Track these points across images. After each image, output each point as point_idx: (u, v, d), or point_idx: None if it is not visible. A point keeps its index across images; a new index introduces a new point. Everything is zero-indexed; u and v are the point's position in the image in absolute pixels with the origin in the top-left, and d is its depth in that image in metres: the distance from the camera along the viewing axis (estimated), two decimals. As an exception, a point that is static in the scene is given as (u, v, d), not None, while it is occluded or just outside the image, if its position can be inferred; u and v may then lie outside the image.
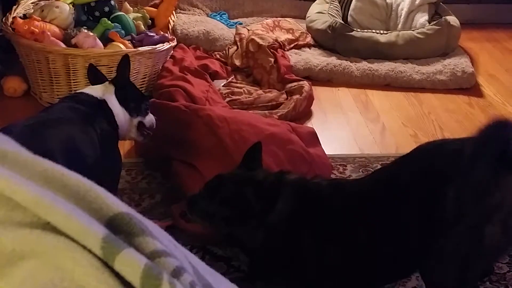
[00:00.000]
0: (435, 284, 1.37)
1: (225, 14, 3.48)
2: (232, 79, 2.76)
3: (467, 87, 2.91)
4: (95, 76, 1.84)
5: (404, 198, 1.35)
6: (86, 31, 2.46)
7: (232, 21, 3.41)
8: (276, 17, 3.45)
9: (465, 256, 1.30)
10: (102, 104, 1.72)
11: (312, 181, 1.54)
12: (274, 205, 1.48)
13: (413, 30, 3.10)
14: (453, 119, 2.62)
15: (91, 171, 1.51)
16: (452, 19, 3.15)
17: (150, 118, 1.88)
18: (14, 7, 2.69)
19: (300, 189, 1.50)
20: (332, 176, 2.07)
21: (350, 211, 1.43)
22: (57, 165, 0.54)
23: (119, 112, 1.75)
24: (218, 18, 3.37)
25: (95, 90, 1.75)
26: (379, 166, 2.18)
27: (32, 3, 2.78)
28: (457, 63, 2.97)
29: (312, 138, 2.09)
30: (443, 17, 3.15)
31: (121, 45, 2.46)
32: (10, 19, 2.55)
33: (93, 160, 1.53)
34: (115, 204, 0.54)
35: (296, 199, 1.48)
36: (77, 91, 1.80)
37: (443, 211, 1.28)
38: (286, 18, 3.34)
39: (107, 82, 1.80)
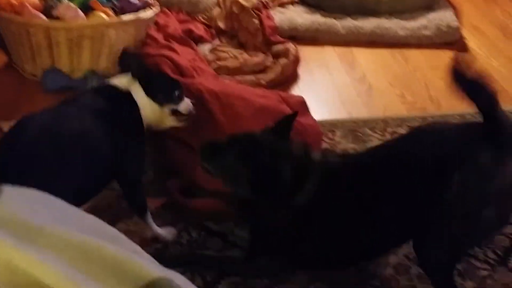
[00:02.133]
0: (429, 258, 1.43)
1: (206, -30, 3.40)
2: (217, 42, 2.73)
3: (452, 41, 2.91)
4: (126, 63, 1.76)
5: (413, 177, 1.40)
6: (67, 1, 2.40)
7: (213, -22, 3.33)
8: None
9: (460, 235, 1.37)
10: (126, 96, 1.67)
11: (332, 160, 1.56)
12: (303, 185, 1.48)
13: (397, -16, 3.07)
14: (439, 77, 2.63)
15: (106, 166, 1.55)
16: (436, -30, 3.12)
17: (185, 104, 1.79)
18: (-10, -24, 2.60)
19: (325, 170, 1.51)
20: (323, 143, 2.09)
21: (365, 189, 1.47)
22: (94, 238, 0.56)
23: (145, 104, 1.69)
24: (199, -24, 3.29)
25: (121, 81, 1.70)
26: (367, 131, 2.21)
27: (7, -30, 2.69)
28: (442, 17, 2.96)
29: (302, 107, 2.09)
30: (427, -32, 3.11)
31: (103, 15, 2.40)
32: (-14, -10, 2.48)
33: (107, 154, 1.54)
34: (153, 270, 0.56)
35: (321, 181, 1.49)
36: (105, 83, 1.76)
37: (446, 192, 1.33)
38: (268, -25, 3.27)
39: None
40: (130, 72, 1.70)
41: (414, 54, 2.82)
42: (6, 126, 2.14)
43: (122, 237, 0.73)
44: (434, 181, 1.36)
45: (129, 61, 1.74)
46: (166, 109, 1.73)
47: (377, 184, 1.46)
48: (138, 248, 0.77)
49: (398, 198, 1.43)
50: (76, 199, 0.92)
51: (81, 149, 1.48)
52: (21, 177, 1.33)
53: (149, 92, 1.69)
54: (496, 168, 1.32)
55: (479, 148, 1.34)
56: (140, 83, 1.68)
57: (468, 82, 1.39)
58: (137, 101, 1.67)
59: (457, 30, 2.91)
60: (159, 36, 2.53)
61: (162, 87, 1.73)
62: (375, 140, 2.15)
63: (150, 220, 1.68)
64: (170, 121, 1.77)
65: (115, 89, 1.68)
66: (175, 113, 1.76)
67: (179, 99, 1.76)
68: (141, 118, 1.68)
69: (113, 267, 0.55)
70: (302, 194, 1.48)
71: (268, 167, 1.49)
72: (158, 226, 1.70)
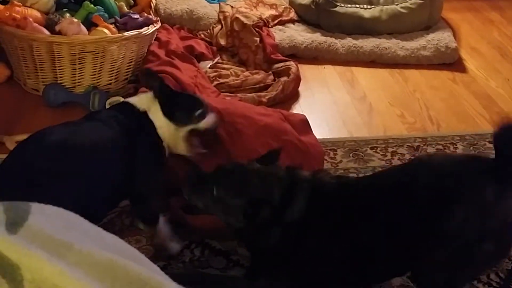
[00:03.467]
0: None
1: (207, -12, 3.42)
2: (218, 59, 2.75)
3: (450, 62, 2.94)
4: (147, 83, 1.77)
5: (410, 207, 1.38)
6: (69, 16, 2.41)
7: (213, -5, 3.35)
8: (258, -9, 3.42)
9: (458, 267, 1.37)
10: (143, 115, 1.66)
11: (322, 178, 1.54)
12: (291, 203, 1.47)
13: (396, 5, 3.10)
14: (438, 97, 2.66)
15: (119, 182, 1.54)
16: (435, -8, 3.16)
17: (206, 121, 1.73)
18: (-9, -11, 2.61)
19: (313, 187, 1.50)
20: (325, 162, 2.09)
21: (357, 212, 1.45)
22: (120, 257, 0.56)
23: (161, 124, 1.67)
24: (200, -7, 3.31)
25: (140, 100, 1.70)
26: (368, 150, 2.21)
27: (9, -17, 2.69)
28: (441, 38, 2.99)
29: (304, 126, 2.10)
30: (426, -10, 3.15)
31: (106, 30, 2.41)
32: (-11, 3, 2.48)
33: (121, 171, 1.55)
34: None
35: (310, 197, 1.48)
36: (124, 100, 1.77)
37: (446, 224, 1.33)
38: (268, -7, 3.30)
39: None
40: (152, 91, 1.69)
41: (413, 74, 2.85)
42: (8, 140, 2.14)
43: (142, 256, 0.73)
44: (434, 211, 1.35)
45: (150, 80, 1.72)
46: (183, 132, 1.69)
47: (372, 209, 1.44)
48: (157, 267, 0.78)
49: (393, 226, 1.40)
50: (90, 216, 0.94)
51: (95, 163, 1.48)
52: (36, 190, 1.34)
53: (166, 112, 1.67)
54: (498, 204, 1.31)
55: (482, 182, 1.33)
56: (159, 102, 1.67)
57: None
58: (153, 121, 1.66)
59: (455, 51, 2.94)
60: (161, 52, 2.54)
61: (180, 107, 1.69)
62: (376, 160, 2.15)
63: (161, 227, 1.67)
64: (183, 147, 1.71)
65: (131, 107, 1.67)
66: (195, 133, 1.71)
67: (200, 118, 1.71)
68: (157, 138, 1.67)
69: (138, 285, 0.55)
70: (291, 212, 1.47)
71: (259, 193, 1.47)
72: (159, 243, 1.70)
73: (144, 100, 1.69)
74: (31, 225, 0.61)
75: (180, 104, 1.70)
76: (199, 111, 1.71)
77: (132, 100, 1.71)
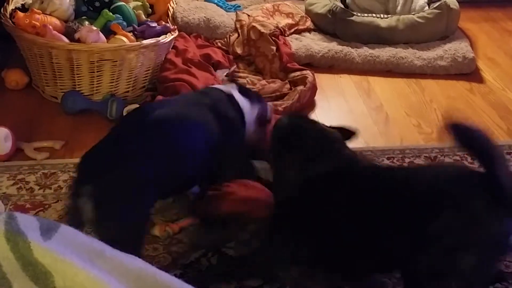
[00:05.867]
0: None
1: (223, -5, 3.44)
2: (235, 68, 2.76)
3: (467, 72, 2.93)
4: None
5: (403, 205, 1.43)
6: (88, 24, 2.43)
7: (230, 3, 3.37)
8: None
9: (438, 275, 1.37)
10: (229, 97, 1.86)
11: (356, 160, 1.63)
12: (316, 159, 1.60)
13: (413, 14, 3.10)
14: (455, 107, 2.64)
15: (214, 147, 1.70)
16: (452, 2, 3.14)
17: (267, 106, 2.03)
18: (11, -4, 2.64)
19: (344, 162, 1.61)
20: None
21: (358, 199, 1.50)
22: (149, 265, 0.57)
23: (244, 104, 1.88)
24: (216, 1, 3.33)
25: (222, 87, 1.95)
26: (385, 160, 2.21)
27: (29, -9, 2.72)
28: (458, 48, 2.98)
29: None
30: (443, 0, 3.14)
31: (124, 38, 2.43)
32: (9, 10, 2.51)
33: (216, 139, 1.72)
34: None
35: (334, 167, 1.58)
36: (212, 87, 2.02)
37: (430, 227, 1.35)
38: (285, 2, 3.31)
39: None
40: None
41: (430, 84, 2.84)
42: (26, 147, 2.16)
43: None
44: (423, 213, 1.38)
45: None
46: (255, 110, 1.93)
47: (373, 199, 1.48)
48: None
49: (387, 221, 1.44)
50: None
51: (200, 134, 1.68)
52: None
53: (244, 93, 1.92)
54: (486, 219, 1.32)
55: (476, 195, 1.34)
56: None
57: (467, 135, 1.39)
58: (239, 102, 1.86)
59: (472, 61, 2.93)
60: (178, 61, 2.56)
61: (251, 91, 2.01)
62: (393, 170, 2.15)
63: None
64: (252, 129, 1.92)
65: (219, 90, 1.89)
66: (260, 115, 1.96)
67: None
68: (243, 117, 1.87)
69: None
70: (313, 167, 1.58)
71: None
72: (176, 251, 1.71)
73: (226, 87, 1.93)
74: (64, 231, 0.62)
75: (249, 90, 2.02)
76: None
77: (219, 86, 1.98)
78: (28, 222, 0.63)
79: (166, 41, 2.52)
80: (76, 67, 2.37)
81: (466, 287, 1.39)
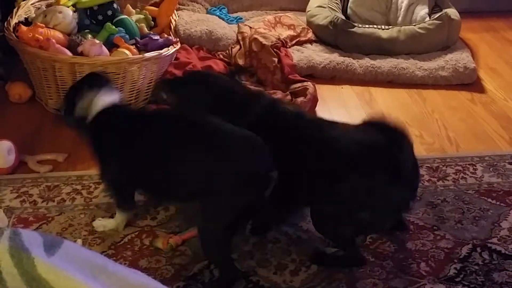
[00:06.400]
0: (318, 226, 1.75)
1: (225, 8, 3.47)
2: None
3: (469, 82, 2.93)
4: None
5: (324, 158, 1.67)
6: (91, 37, 2.45)
7: (231, 15, 3.40)
8: (275, 10, 3.46)
9: (339, 223, 1.67)
10: None
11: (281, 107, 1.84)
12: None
13: (414, 25, 3.11)
14: (457, 118, 2.65)
15: None
16: (453, 12, 3.16)
17: None
18: (15, 10, 2.65)
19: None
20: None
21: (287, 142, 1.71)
22: (152, 279, 0.57)
23: None
24: (218, 13, 3.36)
25: None
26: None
27: (32, 4, 2.75)
28: (459, 59, 2.99)
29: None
30: (444, 11, 3.16)
31: (127, 51, 2.45)
32: (12, 24, 2.53)
33: None
34: None
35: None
36: None
37: (338, 186, 1.61)
38: (286, 14, 3.33)
39: None
40: None
41: (432, 95, 2.84)
42: (30, 160, 2.17)
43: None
44: (337, 171, 1.62)
45: None
46: None
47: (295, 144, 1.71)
48: None
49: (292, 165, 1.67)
50: None
51: None
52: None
53: None
54: (382, 188, 1.59)
55: (376, 166, 1.60)
56: None
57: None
58: None
59: (474, 71, 2.94)
60: (179, 73, 2.57)
61: None
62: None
63: None
64: None
65: None
66: None
67: None
68: None
69: None
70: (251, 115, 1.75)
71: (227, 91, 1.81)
72: (178, 263, 1.71)
73: None
74: (68, 247, 0.62)
75: None
76: None
77: None
78: (32, 238, 0.64)
79: (169, 54, 2.53)
80: (79, 80, 2.38)
81: (359, 233, 1.77)
